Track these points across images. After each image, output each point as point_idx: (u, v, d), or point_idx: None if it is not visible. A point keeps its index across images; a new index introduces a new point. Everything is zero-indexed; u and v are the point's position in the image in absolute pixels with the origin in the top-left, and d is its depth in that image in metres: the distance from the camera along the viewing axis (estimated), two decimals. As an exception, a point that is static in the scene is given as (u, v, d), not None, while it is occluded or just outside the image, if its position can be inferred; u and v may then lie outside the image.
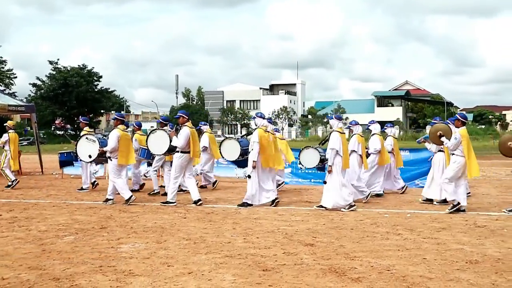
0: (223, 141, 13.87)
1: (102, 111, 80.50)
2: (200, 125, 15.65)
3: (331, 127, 11.77)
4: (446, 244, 7.75)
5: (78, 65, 73.05)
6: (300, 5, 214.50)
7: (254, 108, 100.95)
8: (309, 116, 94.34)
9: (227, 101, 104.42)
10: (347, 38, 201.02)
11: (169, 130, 12.70)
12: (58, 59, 71.93)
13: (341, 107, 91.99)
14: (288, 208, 11.51)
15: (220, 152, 13.92)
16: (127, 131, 12.80)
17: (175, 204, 11.88)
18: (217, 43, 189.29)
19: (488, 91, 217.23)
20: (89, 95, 71.28)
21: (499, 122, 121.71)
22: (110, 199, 12.18)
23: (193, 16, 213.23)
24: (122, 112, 64.62)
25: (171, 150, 12.18)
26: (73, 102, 70.51)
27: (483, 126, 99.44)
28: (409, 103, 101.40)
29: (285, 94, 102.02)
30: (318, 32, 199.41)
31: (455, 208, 10.69)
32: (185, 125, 11.98)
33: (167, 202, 11.92)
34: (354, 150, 12.36)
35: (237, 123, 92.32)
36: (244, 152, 12.93)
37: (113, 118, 12.88)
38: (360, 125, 13.10)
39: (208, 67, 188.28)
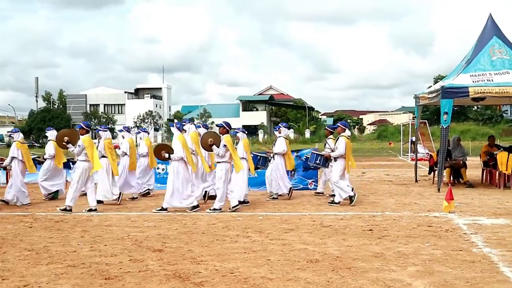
0: None
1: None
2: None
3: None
4: (291, 244, 8.01)
5: None
6: (166, 8, 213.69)
7: (118, 112, 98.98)
8: (175, 121, 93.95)
9: (90, 105, 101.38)
10: (213, 42, 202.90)
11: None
12: None
13: (207, 111, 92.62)
14: (141, 214, 11.36)
15: None
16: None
17: None
18: (81, 45, 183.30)
19: (347, 96, 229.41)
20: None
21: (356, 126, 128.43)
22: None
23: (55, 16, 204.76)
24: None
25: None
26: None
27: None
28: (273, 107, 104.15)
29: (151, 98, 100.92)
30: (185, 35, 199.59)
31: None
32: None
33: None
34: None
35: (147, 127, 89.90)
36: None
37: None
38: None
39: (71, 70, 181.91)
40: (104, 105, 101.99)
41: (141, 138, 15.18)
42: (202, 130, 13.24)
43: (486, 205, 12.00)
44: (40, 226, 9.90)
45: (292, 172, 15.13)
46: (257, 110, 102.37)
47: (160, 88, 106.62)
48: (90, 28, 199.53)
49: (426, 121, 36.17)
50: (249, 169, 12.79)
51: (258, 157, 13.87)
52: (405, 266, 6.61)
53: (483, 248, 7.60)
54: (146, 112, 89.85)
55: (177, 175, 11.60)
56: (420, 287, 5.73)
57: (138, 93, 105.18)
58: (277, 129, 14.07)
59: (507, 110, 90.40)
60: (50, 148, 14.12)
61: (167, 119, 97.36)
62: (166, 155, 11.74)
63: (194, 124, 13.78)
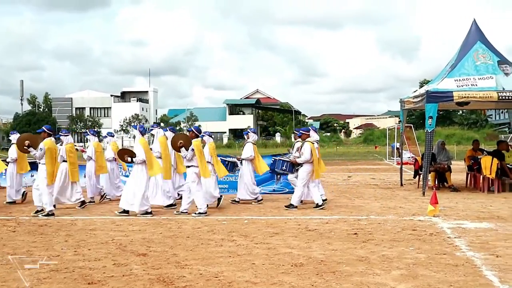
0: None
1: None
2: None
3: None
4: (276, 248, 8.01)
5: None
6: (153, 11, 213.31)
7: (104, 116, 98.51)
8: (162, 124, 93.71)
9: (76, 108, 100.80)
10: (200, 45, 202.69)
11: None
12: None
13: (194, 115, 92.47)
14: (126, 218, 11.30)
15: None
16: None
17: None
18: (66, 48, 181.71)
19: (334, 100, 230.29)
20: None
21: (343, 130, 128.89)
22: None
23: (40, 19, 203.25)
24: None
25: None
26: None
27: (328, 134, 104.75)
28: (259, 111, 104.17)
29: (137, 101, 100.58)
30: (172, 38, 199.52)
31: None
32: None
33: None
34: None
35: (87, 131, 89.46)
36: None
37: None
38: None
39: (56, 73, 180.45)
40: (90, 108, 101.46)
41: (107, 143, 15.02)
42: (170, 134, 13.28)
43: (470, 209, 12.08)
44: (23, 231, 9.82)
45: (278, 176, 15.15)
46: (243, 113, 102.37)
47: (147, 92, 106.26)
48: (76, 30, 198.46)
49: (411, 125, 36.37)
50: (217, 173, 12.77)
51: (226, 162, 13.92)
52: (389, 270, 6.63)
53: (467, 251, 7.64)
54: (132, 116, 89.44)
55: (141, 178, 11.60)
56: (403, 291, 5.75)
57: (124, 96, 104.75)
58: (246, 134, 14.10)
59: (491, 115, 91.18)
60: (13, 152, 14.07)
61: (154, 123, 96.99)
62: (129, 159, 11.81)
63: (162, 128, 13.85)
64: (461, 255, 7.44)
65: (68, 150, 12.70)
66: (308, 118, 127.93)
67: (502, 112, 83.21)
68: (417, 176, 17.37)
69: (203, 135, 12.80)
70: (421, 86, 67.65)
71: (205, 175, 11.84)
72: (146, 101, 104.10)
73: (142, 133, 12.08)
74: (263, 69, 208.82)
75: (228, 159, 14.26)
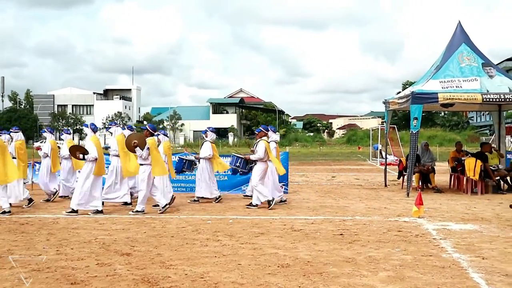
0: None
1: None
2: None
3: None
4: (262, 249, 7.93)
5: None
6: (137, 9, 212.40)
7: (87, 113, 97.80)
8: (145, 122, 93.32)
9: (58, 105, 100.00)
10: (184, 44, 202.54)
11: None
12: None
13: (177, 113, 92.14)
14: (109, 216, 11.17)
15: None
16: None
17: None
18: (49, 45, 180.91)
19: (317, 100, 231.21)
20: None
21: (326, 130, 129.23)
22: None
23: (22, 15, 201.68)
24: None
25: None
26: None
27: (311, 134, 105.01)
28: (243, 110, 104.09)
29: (120, 99, 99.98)
30: (155, 37, 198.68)
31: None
32: None
33: None
34: None
35: (69, 128, 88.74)
36: None
37: None
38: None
39: (38, 70, 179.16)
40: (72, 105, 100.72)
41: (63, 140, 14.73)
42: (127, 132, 13.14)
43: (454, 210, 12.10)
44: (4, 229, 9.65)
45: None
46: (227, 112, 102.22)
47: (130, 90, 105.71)
48: (59, 27, 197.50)
49: (395, 126, 36.51)
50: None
51: (184, 161, 13.92)
52: (376, 271, 6.59)
53: (453, 253, 7.63)
54: (115, 113, 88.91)
55: (89, 176, 11.51)
56: (391, 293, 5.71)
57: (107, 94, 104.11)
58: (204, 133, 13.93)
59: (473, 117, 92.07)
60: None
61: (137, 121, 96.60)
62: (80, 156, 11.66)
63: (121, 127, 13.74)
64: (447, 257, 7.43)
65: (17, 147, 12.55)
66: (292, 118, 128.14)
67: (483, 115, 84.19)
68: (401, 177, 17.40)
69: (158, 134, 12.73)
70: (404, 88, 68.14)
71: (162, 173, 11.88)
72: (129, 99, 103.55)
73: (94, 130, 11.99)
74: (247, 68, 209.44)
75: (186, 157, 14.19)
